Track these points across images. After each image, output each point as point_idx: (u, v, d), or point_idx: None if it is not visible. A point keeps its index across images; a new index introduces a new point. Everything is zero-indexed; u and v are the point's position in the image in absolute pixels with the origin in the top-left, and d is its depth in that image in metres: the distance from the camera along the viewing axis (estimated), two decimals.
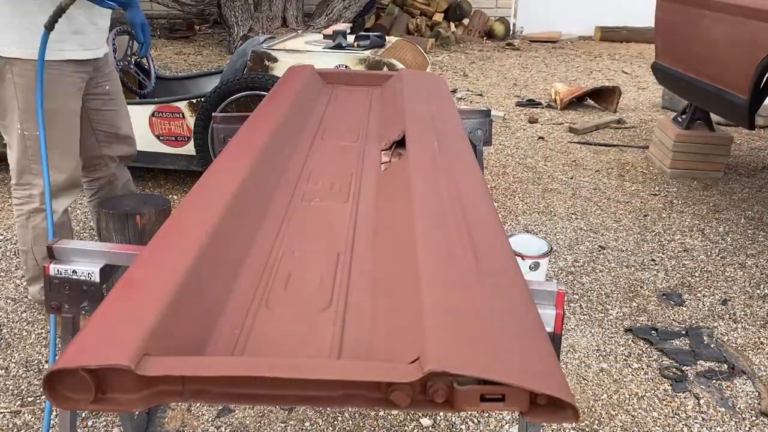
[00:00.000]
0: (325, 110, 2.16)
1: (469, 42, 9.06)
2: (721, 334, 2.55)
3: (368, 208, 1.44)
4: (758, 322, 2.63)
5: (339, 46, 3.62)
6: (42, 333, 2.45)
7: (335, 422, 2.04)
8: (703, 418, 2.11)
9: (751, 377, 2.30)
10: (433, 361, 0.80)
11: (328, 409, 2.08)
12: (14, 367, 2.27)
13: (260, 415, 2.07)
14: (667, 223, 3.52)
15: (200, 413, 2.07)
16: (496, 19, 9.52)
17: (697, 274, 2.99)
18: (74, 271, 1.28)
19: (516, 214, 3.59)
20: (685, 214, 3.63)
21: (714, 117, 4.15)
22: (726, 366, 2.36)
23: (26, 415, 2.05)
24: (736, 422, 2.09)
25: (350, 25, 4.79)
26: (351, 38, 3.74)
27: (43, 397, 2.00)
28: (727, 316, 2.67)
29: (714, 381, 2.28)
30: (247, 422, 2.04)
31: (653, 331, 2.55)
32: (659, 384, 2.26)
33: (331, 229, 1.34)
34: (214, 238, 1.12)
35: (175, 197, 3.70)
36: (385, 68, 3.38)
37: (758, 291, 2.86)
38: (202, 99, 3.41)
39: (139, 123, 3.59)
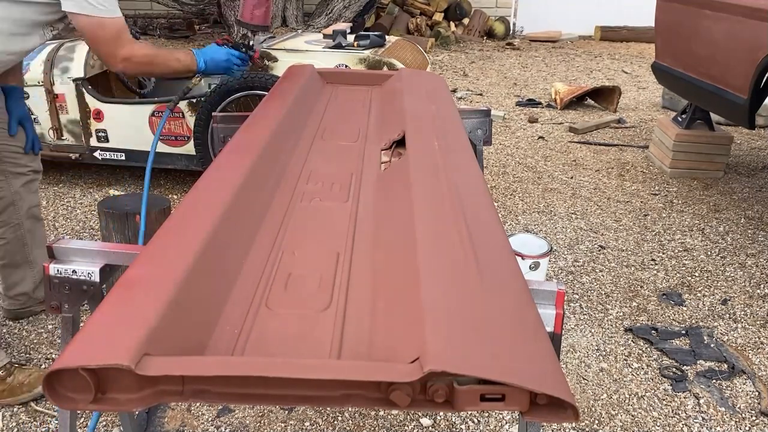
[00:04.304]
0: (325, 110, 2.16)
1: (469, 42, 9.05)
2: (721, 333, 2.55)
3: (368, 208, 1.44)
4: (758, 322, 2.63)
5: (339, 46, 3.62)
6: (42, 332, 2.45)
7: (335, 422, 2.04)
8: (703, 418, 2.11)
9: (751, 377, 2.30)
10: (433, 361, 0.80)
11: (328, 409, 2.08)
12: None
13: (260, 415, 2.07)
14: (667, 222, 3.52)
15: (200, 413, 2.07)
16: (496, 19, 9.52)
17: (697, 274, 2.99)
18: (74, 271, 1.28)
19: (516, 214, 3.59)
20: (685, 214, 3.63)
21: (714, 117, 4.15)
22: (726, 366, 2.36)
23: (22, 415, 2.05)
24: (736, 422, 2.09)
25: (350, 24, 4.79)
26: (351, 38, 3.74)
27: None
28: (727, 315, 2.67)
29: (714, 381, 2.28)
30: (247, 422, 2.04)
31: (653, 331, 2.55)
32: (659, 384, 2.26)
33: (331, 229, 1.34)
34: (214, 237, 1.12)
35: (175, 197, 3.70)
36: (385, 68, 3.38)
37: (758, 291, 2.86)
38: (202, 99, 3.41)
39: (139, 123, 3.59)
